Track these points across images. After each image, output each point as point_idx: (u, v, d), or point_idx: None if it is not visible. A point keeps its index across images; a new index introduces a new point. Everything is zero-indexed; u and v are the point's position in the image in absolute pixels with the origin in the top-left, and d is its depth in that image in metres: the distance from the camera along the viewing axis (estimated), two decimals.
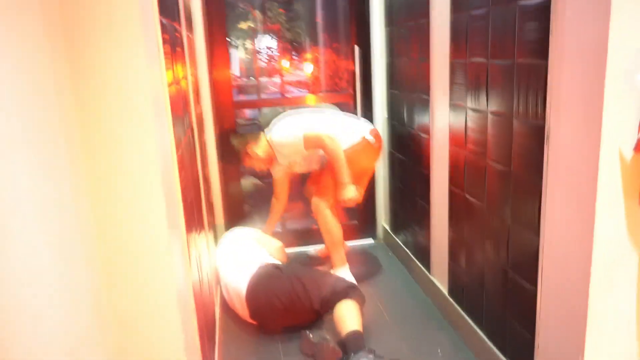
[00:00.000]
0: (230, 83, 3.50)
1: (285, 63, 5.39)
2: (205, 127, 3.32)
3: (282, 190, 3.42)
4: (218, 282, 2.93)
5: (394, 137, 3.43)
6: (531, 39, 1.75)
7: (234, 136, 3.21)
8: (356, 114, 3.61)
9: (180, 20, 2.22)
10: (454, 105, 2.41)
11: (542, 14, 1.67)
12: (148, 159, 1.21)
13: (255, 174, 3.62)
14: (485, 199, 2.18)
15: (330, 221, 3.06)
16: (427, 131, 2.79)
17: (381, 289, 3.12)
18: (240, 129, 3.60)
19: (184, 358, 1.38)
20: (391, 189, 3.62)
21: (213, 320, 2.42)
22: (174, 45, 1.82)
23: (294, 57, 5.60)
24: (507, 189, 1.99)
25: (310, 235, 3.79)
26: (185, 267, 1.56)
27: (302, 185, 3.49)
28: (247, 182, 4.23)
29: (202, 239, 2.26)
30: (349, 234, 3.71)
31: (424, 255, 3.03)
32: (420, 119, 2.90)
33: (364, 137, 3.02)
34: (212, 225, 3.23)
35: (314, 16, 5.16)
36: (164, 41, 1.53)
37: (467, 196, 2.35)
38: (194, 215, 1.96)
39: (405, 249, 3.36)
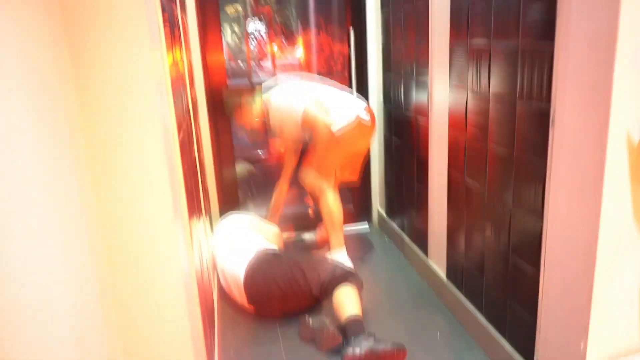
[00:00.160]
0: (224, 67, 3.44)
1: (276, 46, 5.32)
2: (199, 112, 3.27)
3: (290, 164, 3.36)
4: (215, 268, 2.91)
5: (389, 120, 3.41)
6: (537, 20, 1.73)
7: (227, 91, 3.13)
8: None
9: (176, 0, 2.17)
10: (454, 88, 2.39)
11: None
12: (153, 144, 1.18)
13: (249, 137, 3.52)
14: (486, 182, 2.17)
15: (332, 202, 3.05)
16: (425, 114, 2.77)
17: (378, 273, 3.12)
18: (233, 84, 3.51)
19: (190, 345, 1.36)
20: (387, 173, 3.60)
21: (212, 307, 2.41)
22: (172, 27, 1.77)
23: (286, 40, 5.53)
24: (509, 173, 1.98)
25: (306, 220, 3.78)
26: (189, 254, 1.54)
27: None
28: (241, 168, 4.18)
29: (201, 226, 2.23)
30: (344, 219, 3.70)
31: (421, 239, 3.02)
32: (417, 102, 2.88)
33: (358, 116, 2.98)
34: (208, 211, 3.19)
35: None
36: (164, 21, 1.49)
37: (467, 180, 2.34)
38: (194, 202, 1.93)
39: (402, 233, 3.35)
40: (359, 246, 3.51)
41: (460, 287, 2.54)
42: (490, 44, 2.02)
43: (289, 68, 4.80)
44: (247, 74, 4.08)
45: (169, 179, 1.21)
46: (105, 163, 1.14)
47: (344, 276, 2.53)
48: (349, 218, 3.79)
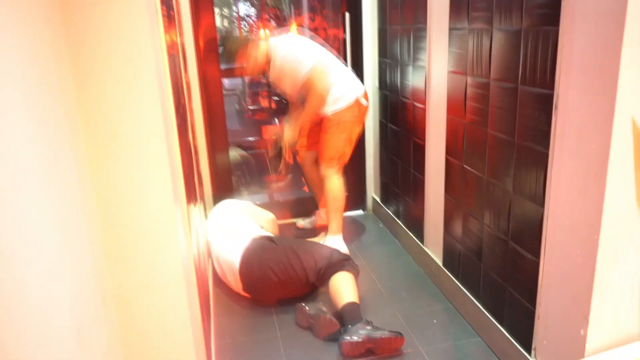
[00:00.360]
0: (217, 50, 3.38)
1: (268, 31, 5.25)
2: (193, 97, 3.22)
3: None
4: (209, 255, 2.88)
5: (385, 106, 3.37)
6: (541, 2, 1.70)
7: (231, 36, 3.02)
8: None
9: None
10: (452, 74, 2.36)
11: None
12: (152, 130, 1.14)
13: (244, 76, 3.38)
14: (485, 169, 2.15)
15: (338, 187, 3.06)
16: (422, 100, 2.74)
17: (373, 260, 3.10)
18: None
19: (190, 333, 1.34)
20: (382, 159, 3.58)
21: (208, 294, 2.38)
22: (168, 9, 1.72)
23: (279, 24, 5.46)
24: (509, 159, 1.96)
25: (301, 206, 3.76)
26: (188, 241, 1.51)
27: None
28: (235, 154, 4.14)
29: (197, 212, 2.20)
30: None
31: (417, 226, 3.01)
32: (414, 88, 2.85)
33: (357, 99, 2.97)
34: (202, 197, 3.16)
35: None
36: (161, 4, 1.44)
37: (466, 166, 2.32)
38: (191, 187, 1.90)
39: (397, 220, 3.34)
40: (353, 233, 3.49)
41: (457, 274, 2.53)
42: (492, 28, 1.99)
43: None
44: None
45: (168, 164, 1.17)
46: (104, 150, 1.11)
47: (341, 263, 2.51)
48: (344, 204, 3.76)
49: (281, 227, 3.36)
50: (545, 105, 1.72)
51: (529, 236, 1.90)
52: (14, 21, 0.76)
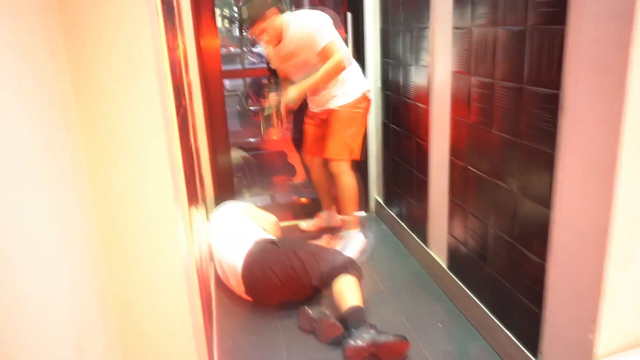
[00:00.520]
0: (219, 51, 3.36)
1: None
2: (194, 98, 3.20)
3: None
4: (211, 258, 2.85)
5: (387, 107, 3.35)
6: (547, 1, 1.67)
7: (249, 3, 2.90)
8: None
9: None
10: (456, 74, 2.33)
11: None
12: (153, 132, 1.12)
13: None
14: (490, 170, 2.12)
15: (353, 183, 3.08)
16: (425, 101, 2.72)
17: (377, 262, 3.07)
18: None
19: (192, 337, 1.32)
20: (384, 160, 3.55)
21: (210, 298, 2.36)
22: (170, 11, 1.70)
23: None
24: (515, 161, 1.94)
25: (304, 208, 3.73)
26: (189, 244, 1.48)
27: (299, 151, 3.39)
28: (236, 155, 4.12)
29: (199, 214, 2.17)
30: (341, 208, 3.65)
31: (420, 228, 2.98)
32: (417, 89, 2.82)
33: (364, 93, 2.98)
34: (203, 199, 3.14)
35: None
36: (162, 3, 1.42)
37: (470, 168, 2.29)
38: (192, 189, 1.87)
39: (400, 221, 3.31)
40: None
41: (461, 276, 2.50)
42: (497, 27, 1.97)
43: None
44: (239, 60, 4.00)
45: (169, 165, 1.15)
46: (103, 151, 1.08)
47: (344, 266, 2.48)
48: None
49: (283, 230, 3.33)
50: (551, 105, 1.69)
51: (535, 238, 1.87)
52: (8, 20, 0.74)
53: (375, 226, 3.62)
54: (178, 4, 2.47)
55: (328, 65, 2.82)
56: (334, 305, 2.41)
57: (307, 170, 3.45)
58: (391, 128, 3.31)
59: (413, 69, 2.84)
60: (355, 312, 2.29)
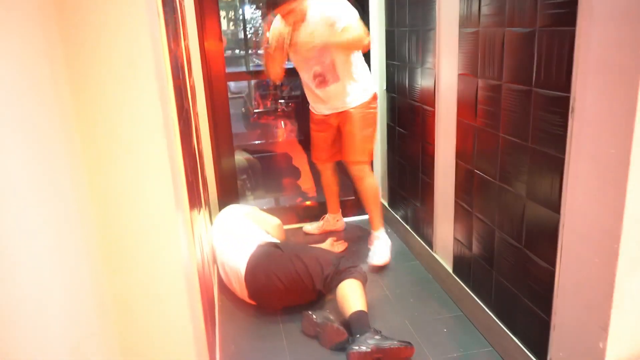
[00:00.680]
0: (223, 53, 3.34)
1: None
2: (198, 100, 3.18)
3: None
4: (214, 261, 2.83)
5: (393, 109, 3.32)
6: (556, 3, 1.64)
7: None
8: None
9: None
10: (463, 77, 2.30)
11: None
12: (153, 135, 1.09)
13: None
14: (497, 174, 2.09)
15: (376, 184, 3.11)
16: (431, 103, 2.68)
17: (381, 266, 3.04)
18: None
19: (192, 343, 1.29)
20: (389, 163, 3.52)
21: (213, 302, 2.33)
22: (172, 12, 1.68)
23: None
24: (523, 164, 1.90)
25: (307, 211, 3.71)
26: (191, 248, 1.46)
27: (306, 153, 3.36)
28: (240, 157, 4.10)
29: (201, 217, 2.15)
30: (345, 210, 3.63)
31: (425, 231, 2.95)
32: (423, 91, 2.79)
33: (375, 93, 2.99)
34: (207, 203, 3.11)
35: None
36: (163, 6, 1.39)
37: (477, 171, 2.26)
38: (195, 193, 1.85)
39: (405, 224, 3.28)
40: (360, 238, 3.43)
41: (467, 280, 2.47)
42: (504, 28, 1.93)
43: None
44: (244, 62, 3.98)
45: (169, 169, 1.12)
46: (103, 154, 1.06)
47: (348, 270, 2.46)
48: (351, 209, 3.72)
49: (288, 233, 3.30)
50: (560, 108, 1.66)
51: (543, 243, 1.84)
52: (1, 20, 0.71)
53: None
54: (181, 6, 2.45)
55: (351, 35, 2.72)
56: (338, 310, 2.39)
57: (313, 173, 3.42)
58: (396, 130, 3.28)
59: (419, 71, 2.81)
60: (360, 317, 2.26)
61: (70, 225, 0.92)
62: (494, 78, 2.04)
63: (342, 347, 2.22)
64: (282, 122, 5.88)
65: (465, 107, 2.30)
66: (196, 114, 2.99)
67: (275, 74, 2.98)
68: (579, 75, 1.57)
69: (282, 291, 2.48)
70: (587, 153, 1.57)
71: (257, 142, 5.81)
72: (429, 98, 2.70)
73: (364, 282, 2.47)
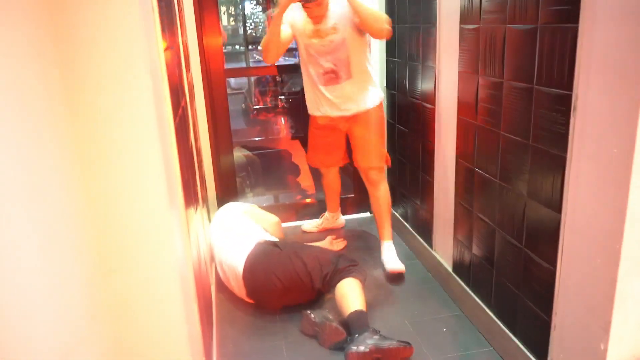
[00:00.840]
0: (222, 50, 3.31)
1: None
2: (196, 97, 3.15)
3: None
4: (212, 259, 2.81)
5: (393, 107, 3.29)
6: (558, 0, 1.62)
7: None
8: None
9: None
10: (463, 74, 2.27)
11: None
12: (146, 132, 1.07)
13: None
14: (498, 172, 2.07)
15: (388, 192, 3.01)
16: (431, 101, 2.66)
17: (380, 264, 3.02)
18: None
19: (187, 344, 1.27)
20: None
21: (210, 301, 2.31)
22: (169, 6, 1.65)
23: None
24: (524, 163, 1.88)
25: (306, 209, 3.69)
26: (186, 248, 1.43)
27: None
28: (239, 154, 4.07)
29: (198, 216, 2.13)
30: (344, 208, 3.61)
31: (425, 230, 2.93)
32: (423, 88, 2.76)
33: (382, 100, 2.94)
34: (205, 200, 3.09)
35: None
36: (158, 0, 1.37)
37: (477, 170, 2.23)
38: (191, 191, 1.82)
39: (405, 223, 3.26)
40: (360, 236, 3.41)
41: (467, 280, 2.45)
42: (505, 25, 1.91)
43: (288, 53, 4.67)
44: (244, 58, 3.96)
45: (163, 168, 1.10)
46: (94, 153, 1.03)
47: (347, 268, 2.43)
48: (350, 207, 3.70)
49: (286, 230, 3.28)
50: (562, 106, 1.64)
51: (544, 243, 1.81)
52: None
53: None
54: (180, 1, 2.42)
55: (375, 11, 2.65)
56: (336, 309, 2.37)
57: (312, 171, 3.39)
58: (397, 128, 3.26)
59: (419, 68, 2.79)
60: (359, 316, 2.24)
61: (62, 226, 0.90)
62: (495, 75, 2.01)
63: (340, 347, 2.20)
64: (282, 119, 5.86)
65: (466, 104, 2.28)
66: (194, 111, 2.97)
67: (273, 53, 2.78)
68: (581, 73, 1.54)
69: (281, 290, 2.46)
70: (589, 152, 1.54)
71: (256, 138, 5.78)
72: (429, 95, 2.68)
73: (364, 280, 2.45)
